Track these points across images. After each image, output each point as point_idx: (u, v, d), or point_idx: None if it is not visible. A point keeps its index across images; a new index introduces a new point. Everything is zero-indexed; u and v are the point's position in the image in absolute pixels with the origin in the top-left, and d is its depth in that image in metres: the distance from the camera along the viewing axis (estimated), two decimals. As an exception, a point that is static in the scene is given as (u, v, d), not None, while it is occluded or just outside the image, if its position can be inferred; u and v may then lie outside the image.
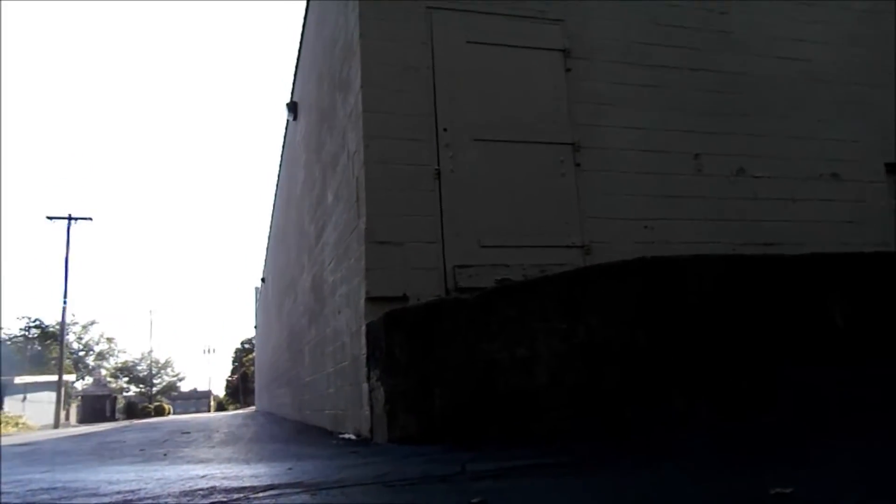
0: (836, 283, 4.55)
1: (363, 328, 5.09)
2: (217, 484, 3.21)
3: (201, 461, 4.23)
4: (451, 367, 4.35)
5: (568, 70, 5.94)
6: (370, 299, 5.08)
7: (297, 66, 11.02)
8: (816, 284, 4.52)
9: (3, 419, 24.82)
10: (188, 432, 9.80)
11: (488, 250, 5.36)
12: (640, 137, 6.02)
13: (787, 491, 2.02)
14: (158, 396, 62.50)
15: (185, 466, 4.17)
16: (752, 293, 4.38)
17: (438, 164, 5.42)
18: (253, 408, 35.80)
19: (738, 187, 6.17)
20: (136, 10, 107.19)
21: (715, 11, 6.60)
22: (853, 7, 7.08)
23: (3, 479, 4.19)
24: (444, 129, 5.50)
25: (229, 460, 3.88)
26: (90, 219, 33.01)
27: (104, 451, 6.37)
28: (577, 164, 5.76)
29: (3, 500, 3.11)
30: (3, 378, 32.93)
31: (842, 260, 4.74)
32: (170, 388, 70.11)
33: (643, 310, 4.30)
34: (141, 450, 6.18)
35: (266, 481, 3.28)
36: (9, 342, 56.40)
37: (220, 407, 65.00)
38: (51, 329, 53.91)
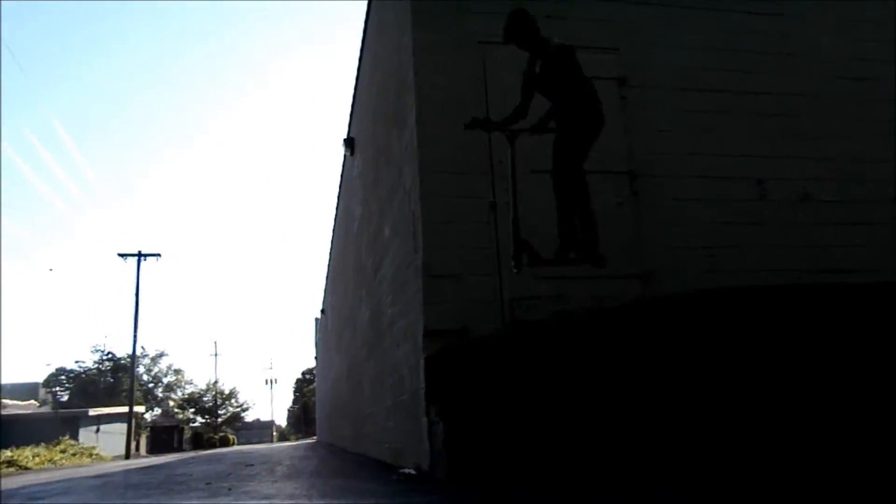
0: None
1: (421, 362, 5.08)
2: (280, 522, 3.23)
3: (265, 496, 4.28)
4: (512, 404, 4.29)
5: (623, 98, 5.89)
6: (428, 333, 5.08)
7: (353, 103, 11.28)
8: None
9: (78, 450, 25.73)
10: (252, 465, 9.93)
11: (546, 282, 5.30)
12: (700, 164, 5.89)
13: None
14: (223, 427, 63.73)
15: (249, 503, 4.22)
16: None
17: (494, 197, 5.41)
18: (314, 438, 36.12)
19: (803, 213, 5.96)
20: (199, 49, 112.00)
21: (774, 34, 6.45)
22: (921, 22, 6.82)
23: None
24: (500, 162, 5.50)
25: (292, 496, 3.91)
26: (159, 255, 34.23)
27: (172, 485, 6.50)
28: (634, 193, 5.68)
29: None
30: (78, 409, 34.11)
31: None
32: (234, 419, 71.43)
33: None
34: (207, 483, 6.28)
35: (328, 520, 3.28)
36: (84, 375, 58.72)
37: (283, 437, 65.87)
38: (122, 361, 55.86)
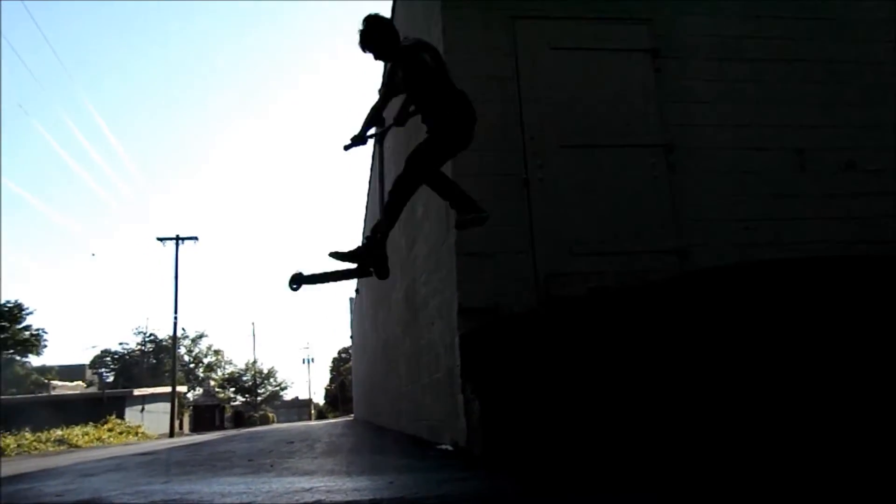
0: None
1: (457, 340, 5.11)
2: (322, 498, 3.30)
3: (306, 473, 4.38)
4: (547, 381, 4.30)
5: (657, 70, 5.77)
6: (463, 311, 5.10)
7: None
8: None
9: (124, 429, 26.55)
10: (292, 442, 10.13)
11: (580, 258, 5.27)
12: (737, 135, 5.77)
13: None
14: (263, 405, 65.09)
15: (290, 479, 4.31)
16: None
17: (526, 173, 5.39)
18: (351, 416, 36.68)
19: (847, 183, 5.80)
20: (237, 42, 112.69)
21: (815, -2, 6.24)
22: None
23: (128, 490, 4.47)
24: (532, 138, 5.47)
25: (332, 472, 3.99)
26: (196, 238, 34.84)
27: (216, 462, 6.68)
28: (671, 166, 5.59)
29: None
30: (123, 390, 35.09)
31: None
32: (273, 397, 72.88)
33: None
34: (249, 460, 6.43)
35: (368, 495, 3.34)
36: (127, 356, 60.36)
37: (321, 415, 66.97)
38: (164, 343, 57.25)
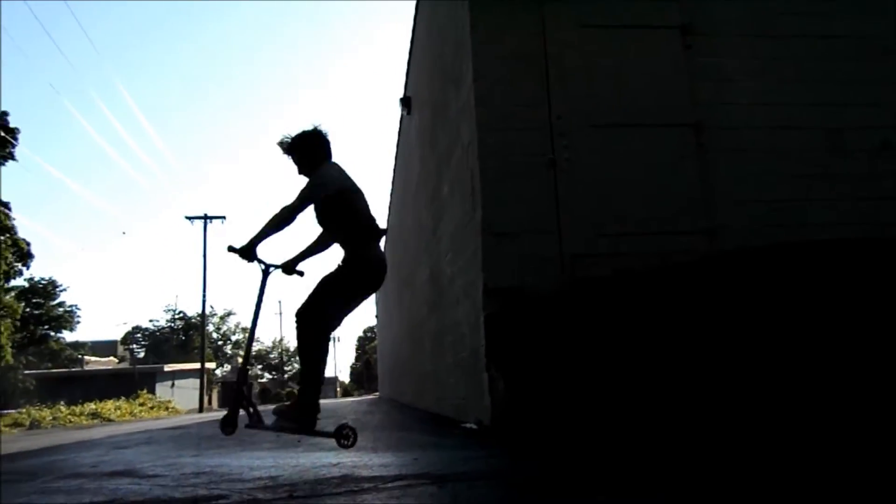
0: None
1: (482, 320, 5.13)
2: (348, 472, 3.36)
3: (332, 449, 4.43)
4: (572, 362, 4.31)
5: (687, 47, 5.67)
6: (488, 291, 5.11)
7: (409, 62, 11.21)
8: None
9: (155, 403, 27.15)
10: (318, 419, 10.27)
11: (606, 239, 5.24)
12: (769, 114, 5.64)
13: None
14: (290, 382, 66.00)
15: (317, 454, 4.40)
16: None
17: (553, 153, 5.35)
18: (376, 394, 37.06)
19: (882, 162, 5.67)
20: (260, 12, 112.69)
21: (852, -28, 6.06)
22: None
23: (160, 462, 4.59)
24: (559, 117, 5.42)
25: (358, 449, 4.05)
26: (224, 217, 35.17)
27: (244, 437, 6.80)
28: (700, 146, 5.50)
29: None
30: (154, 365, 35.82)
31: None
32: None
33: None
34: (276, 436, 6.55)
35: (394, 471, 3.39)
36: (157, 333, 61.51)
37: (346, 393, 67.74)
38: (193, 320, 58.21)
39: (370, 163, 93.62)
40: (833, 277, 4.06)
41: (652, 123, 5.52)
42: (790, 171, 5.56)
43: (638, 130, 5.51)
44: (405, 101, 11.24)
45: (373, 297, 37.30)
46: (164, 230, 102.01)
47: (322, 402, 4.10)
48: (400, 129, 13.75)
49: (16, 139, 30.27)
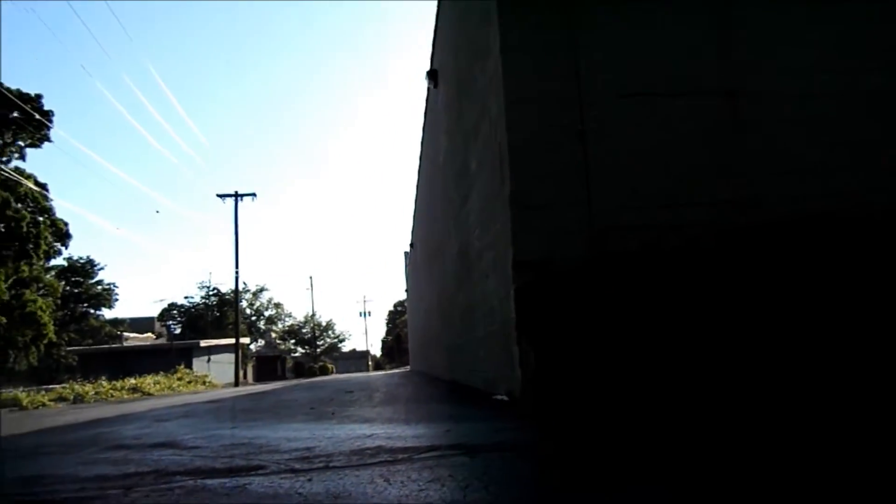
0: None
1: (512, 293, 5.13)
2: (383, 444, 3.42)
3: (366, 420, 4.54)
4: (601, 335, 4.30)
5: (720, 14, 5.52)
6: (517, 264, 5.10)
7: (435, 35, 11.12)
8: None
9: (192, 378, 27.79)
10: (351, 391, 10.45)
11: (636, 210, 5.18)
12: (808, 79, 5.49)
13: None
14: (322, 357, 66.99)
15: (351, 426, 4.48)
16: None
17: (582, 124, 5.28)
18: (407, 367, 37.45)
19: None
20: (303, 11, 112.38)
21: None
22: None
23: (200, 434, 4.72)
24: (588, 88, 5.34)
25: (391, 420, 4.12)
26: (254, 195, 35.58)
27: (280, 409, 6.97)
28: (733, 114, 5.39)
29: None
30: (191, 341, 36.54)
31: None
32: (332, 349, 74.90)
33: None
34: (311, 408, 6.69)
35: (427, 442, 3.44)
36: (193, 309, 62.77)
37: (377, 366, 68.58)
38: (226, 296, 59.22)
39: (400, 135, 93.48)
40: (874, 251, 3.98)
41: (684, 92, 5.42)
42: (828, 139, 5.41)
43: (669, 100, 5.40)
44: (432, 75, 11.18)
45: (403, 272, 37.42)
46: (198, 208, 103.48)
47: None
48: (427, 102, 13.69)
49: (50, 121, 30.85)
